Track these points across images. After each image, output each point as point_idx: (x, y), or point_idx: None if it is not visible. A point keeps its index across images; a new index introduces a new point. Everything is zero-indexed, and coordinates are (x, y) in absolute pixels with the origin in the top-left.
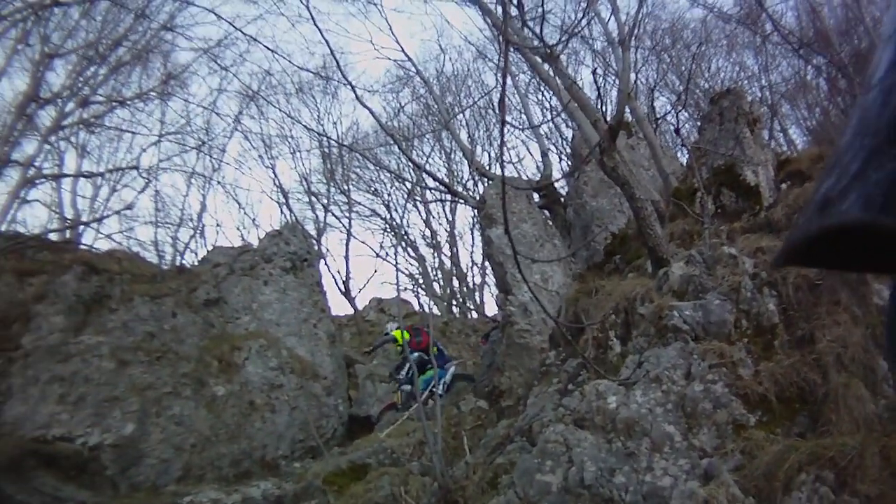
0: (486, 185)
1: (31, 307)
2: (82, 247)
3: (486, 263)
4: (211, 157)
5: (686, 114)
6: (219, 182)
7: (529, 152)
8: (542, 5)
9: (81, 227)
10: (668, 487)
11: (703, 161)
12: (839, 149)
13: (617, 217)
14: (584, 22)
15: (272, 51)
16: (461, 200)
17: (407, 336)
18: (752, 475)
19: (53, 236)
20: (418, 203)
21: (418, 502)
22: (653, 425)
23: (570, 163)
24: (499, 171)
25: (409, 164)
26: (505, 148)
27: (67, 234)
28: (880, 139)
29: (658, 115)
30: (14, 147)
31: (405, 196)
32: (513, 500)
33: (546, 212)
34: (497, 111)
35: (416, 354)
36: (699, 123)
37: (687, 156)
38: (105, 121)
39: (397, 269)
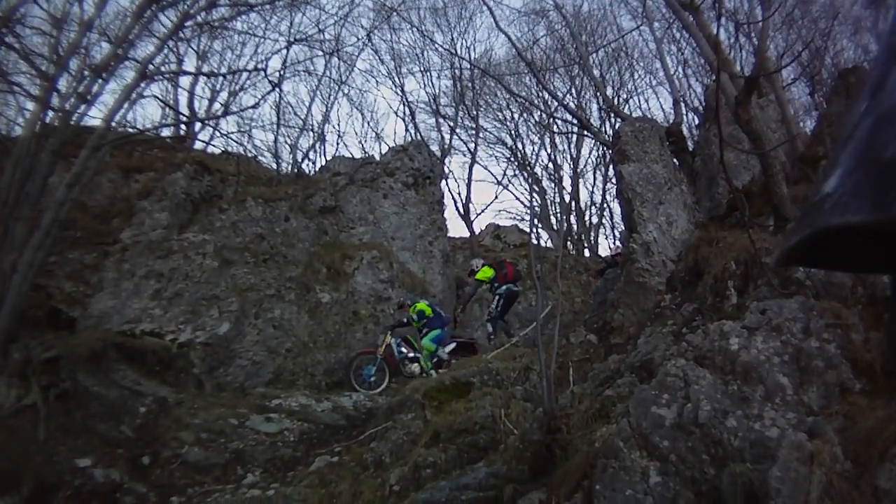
0: (614, 124)
1: (134, 203)
2: (197, 146)
3: (605, 204)
4: (340, 65)
5: (811, 86)
6: (345, 94)
7: (658, 100)
8: None
9: (197, 127)
10: (776, 438)
11: (829, 130)
12: (839, 149)
13: (742, 173)
14: None
15: None
16: (592, 136)
17: (491, 273)
18: (852, 440)
19: (166, 133)
20: (547, 134)
21: (517, 426)
22: (769, 374)
23: (700, 114)
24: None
25: (542, 94)
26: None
27: (182, 132)
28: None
29: (786, 82)
30: (130, 48)
31: (535, 125)
32: (625, 429)
33: (675, 159)
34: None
35: (503, 288)
36: (824, 98)
37: (814, 124)
38: (230, 25)
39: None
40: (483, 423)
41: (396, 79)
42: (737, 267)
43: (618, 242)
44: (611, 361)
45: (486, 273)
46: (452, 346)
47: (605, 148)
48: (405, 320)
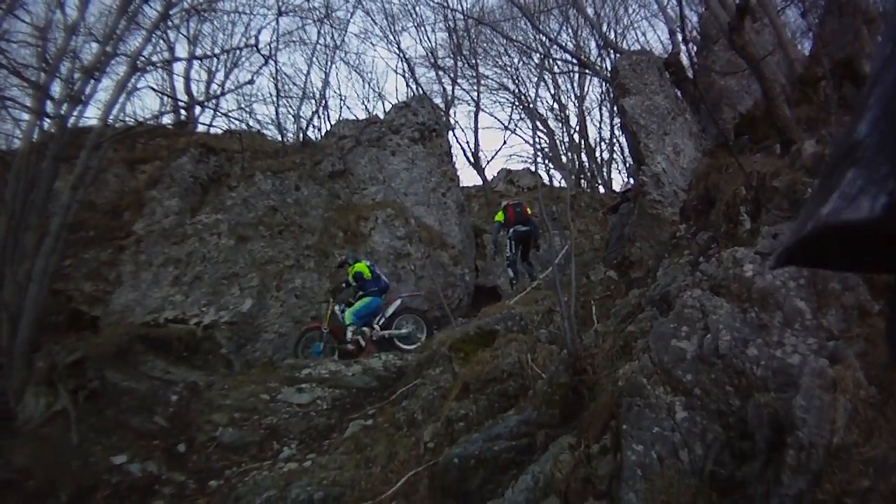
0: (614, 59)
1: (143, 194)
2: (199, 129)
3: (614, 139)
4: (333, 31)
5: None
6: (341, 58)
7: (655, 32)
8: None
9: (197, 111)
10: (797, 365)
11: (825, 51)
12: (869, 89)
13: (744, 98)
14: None
15: None
16: (590, 72)
17: (502, 216)
18: (875, 364)
19: (167, 122)
20: (547, 75)
21: (545, 370)
22: (786, 299)
23: (697, 43)
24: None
25: (538, 36)
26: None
27: (183, 118)
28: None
29: (780, 6)
30: (118, 43)
31: (535, 68)
32: (647, 365)
33: (676, 90)
34: None
35: (511, 231)
36: (817, 19)
37: (810, 46)
38: (217, 6)
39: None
40: (510, 370)
41: (392, 37)
42: (747, 192)
43: (629, 177)
44: (631, 296)
45: (499, 216)
46: (397, 303)
47: (606, 84)
48: (345, 283)
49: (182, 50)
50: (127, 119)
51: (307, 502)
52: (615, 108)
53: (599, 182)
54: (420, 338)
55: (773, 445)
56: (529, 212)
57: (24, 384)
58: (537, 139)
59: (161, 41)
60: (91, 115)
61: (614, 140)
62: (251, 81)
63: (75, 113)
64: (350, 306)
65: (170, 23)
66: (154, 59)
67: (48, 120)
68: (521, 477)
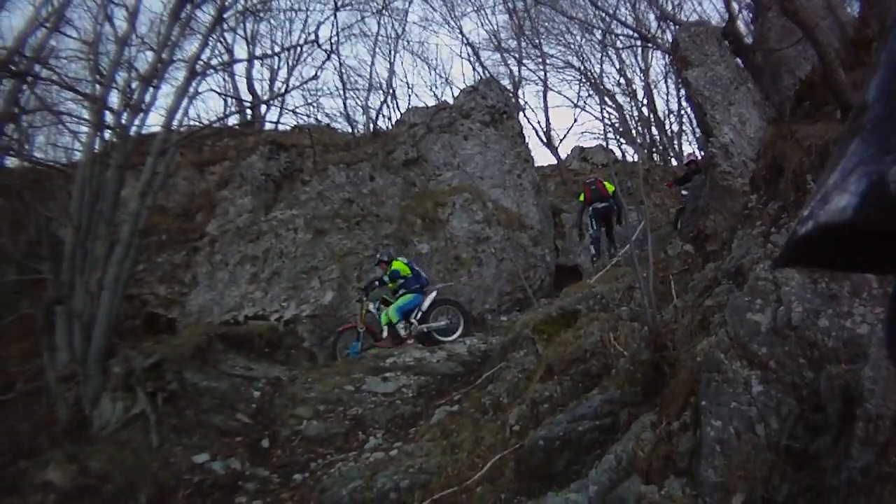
0: (673, 31)
1: (214, 195)
2: (267, 127)
3: (682, 111)
4: (393, 21)
5: None
6: (405, 47)
7: (711, 1)
8: None
9: (263, 109)
10: (867, 335)
11: (871, 12)
12: (880, 49)
13: (802, 64)
14: None
15: None
16: (652, 45)
17: (583, 196)
18: None
19: (234, 122)
20: (611, 50)
21: (627, 348)
22: None
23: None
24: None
25: (597, 12)
26: None
27: (249, 118)
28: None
29: None
30: (174, 49)
31: (597, 44)
32: (723, 340)
33: (738, 59)
34: None
35: (590, 208)
36: None
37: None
38: (272, 5)
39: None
40: (593, 349)
41: (452, 22)
42: (813, 159)
43: (693, 149)
44: (707, 270)
45: (581, 197)
46: (432, 295)
47: (668, 56)
48: (378, 281)
49: (241, 51)
50: (192, 123)
51: (393, 491)
52: (679, 81)
53: (671, 155)
54: (458, 329)
55: (844, 418)
56: (609, 187)
57: (99, 391)
58: (606, 115)
59: (219, 44)
60: (155, 123)
61: (682, 112)
62: (315, 77)
63: (137, 121)
64: (386, 304)
65: (225, 25)
66: (213, 62)
67: (109, 131)
68: (605, 457)
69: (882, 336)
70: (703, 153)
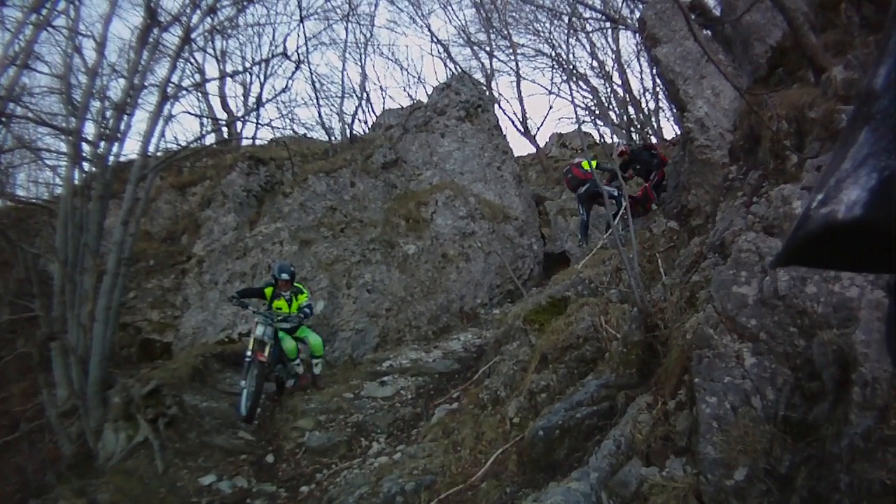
0: (641, 7)
1: (197, 215)
2: (244, 143)
3: (657, 88)
4: (360, 26)
5: None
6: (375, 50)
7: None
8: None
9: (239, 126)
10: (856, 298)
11: None
12: (831, 162)
13: (773, 31)
14: None
15: None
16: (622, 26)
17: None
18: None
19: (211, 142)
20: (581, 35)
21: (619, 330)
22: None
23: None
24: None
25: None
26: None
27: (226, 135)
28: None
29: None
30: (145, 74)
31: (566, 30)
32: (711, 315)
33: (707, 31)
34: None
35: (575, 195)
36: None
37: None
38: (239, 21)
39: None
40: (585, 334)
41: (420, 21)
42: (789, 125)
43: (649, 134)
44: (693, 245)
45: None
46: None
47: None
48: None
49: (213, 70)
50: (169, 146)
51: (399, 494)
52: (649, 59)
53: (650, 132)
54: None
55: (840, 384)
56: (587, 167)
57: (101, 422)
58: (582, 98)
59: (188, 65)
60: (132, 150)
61: (657, 89)
62: (286, 89)
63: (114, 150)
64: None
65: (194, 46)
66: (185, 83)
67: (87, 162)
68: (604, 442)
69: (870, 298)
70: (622, 144)
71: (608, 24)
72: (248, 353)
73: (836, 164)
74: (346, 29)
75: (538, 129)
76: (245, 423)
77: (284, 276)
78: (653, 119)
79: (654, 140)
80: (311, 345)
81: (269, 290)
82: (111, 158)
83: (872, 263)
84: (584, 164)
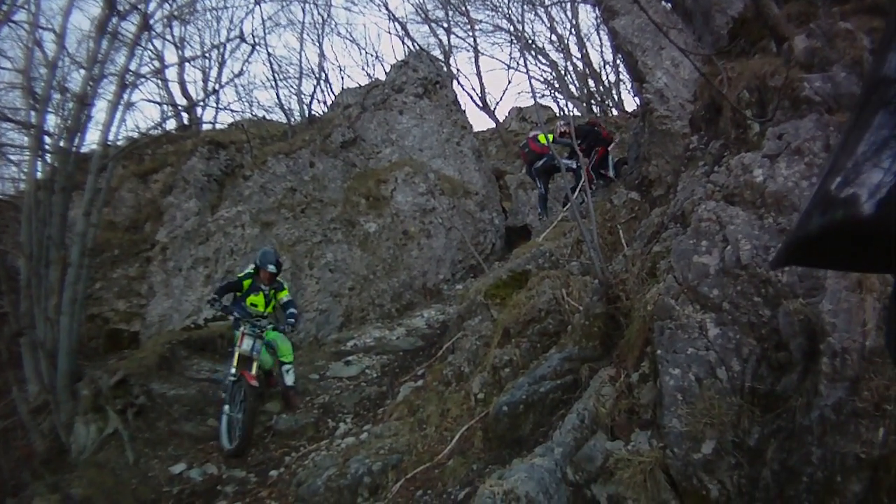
0: None
1: (160, 202)
2: (205, 128)
3: (617, 61)
4: (317, 6)
5: None
6: (332, 30)
7: None
8: None
9: (199, 111)
10: None
11: None
12: (843, 144)
13: (733, 1)
14: None
15: None
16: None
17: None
18: None
19: (171, 128)
20: (538, 8)
21: (581, 303)
22: (799, 199)
23: None
24: None
25: None
26: None
27: (186, 121)
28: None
29: None
30: (105, 64)
31: (526, 5)
32: (672, 285)
33: (667, 4)
34: None
35: (534, 169)
36: None
37: None
38: (197, 6)
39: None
40: (547, 308)
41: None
42: (751, 95)
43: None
44: (654, 216)
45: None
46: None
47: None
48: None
49: (173, 56)
50: (130, 134)
51: (367, 475)
52: (608, 31)
53: (611, 105)
54: None
55: (808, 354)
56: (543, 140)
57: (72, 416)
58: (541, 73)
59: (147, 52)
60: (94, 140)
61: (618, 62)
62: (241, 72)
63: (76, 141)
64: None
65: (153, 33)
66: (143, 70)
67: (49, 155)
68: (568, 416)
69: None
70: (563, 124)
71: None
72: (232, 372)
73: (850, 148)
74: (304, 10)
75: (497, 103)
76: (234, 458)
77: (270, 267)
78: (613, 92)
79: (615, 112)
80: (280, 349)
81: (247, 283)
82: (74, 149)
83: (875, 263)
84: (541, 137)
